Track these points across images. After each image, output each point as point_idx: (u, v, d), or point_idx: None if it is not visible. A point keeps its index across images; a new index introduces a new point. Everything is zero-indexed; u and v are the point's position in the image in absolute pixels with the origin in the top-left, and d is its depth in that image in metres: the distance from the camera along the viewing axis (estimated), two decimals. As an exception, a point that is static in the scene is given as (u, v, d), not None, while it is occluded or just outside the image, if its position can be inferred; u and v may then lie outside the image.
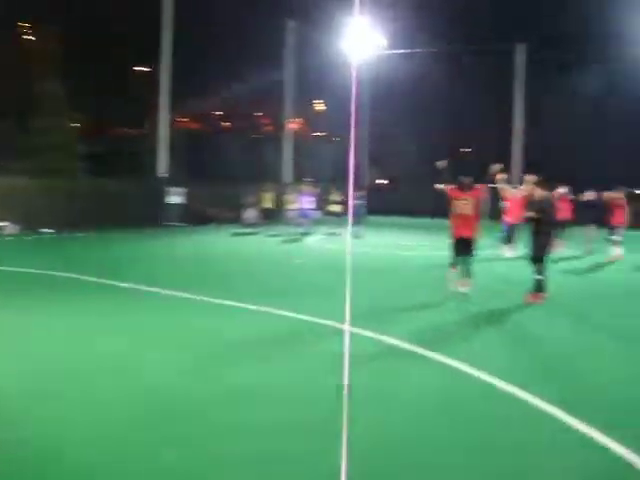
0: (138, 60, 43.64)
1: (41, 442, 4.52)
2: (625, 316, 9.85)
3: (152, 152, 28.07)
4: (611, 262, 16.25)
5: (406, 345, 7.18)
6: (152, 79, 29.15)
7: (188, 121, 63.92)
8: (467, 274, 10.75)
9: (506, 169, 26.46)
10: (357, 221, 22.50)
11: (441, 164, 11.83)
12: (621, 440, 4.55)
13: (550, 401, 5.36)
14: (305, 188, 24.24)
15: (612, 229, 16.85)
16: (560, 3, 45.12)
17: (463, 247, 10.72)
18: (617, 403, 5.59)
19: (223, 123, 64.12)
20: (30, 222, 21.39)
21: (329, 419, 4.56)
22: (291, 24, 36.79)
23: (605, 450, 4.47)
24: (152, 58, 28.93)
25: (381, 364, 6.53)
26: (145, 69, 42.13)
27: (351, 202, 6.47)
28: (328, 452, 4.02)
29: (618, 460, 4.33)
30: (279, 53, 37.47)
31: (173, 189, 26.99)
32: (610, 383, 6.19)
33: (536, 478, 4.17)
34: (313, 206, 23.47)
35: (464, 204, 10.73)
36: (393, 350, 7.05)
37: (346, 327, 5.51)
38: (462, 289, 10.69)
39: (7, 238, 19.88)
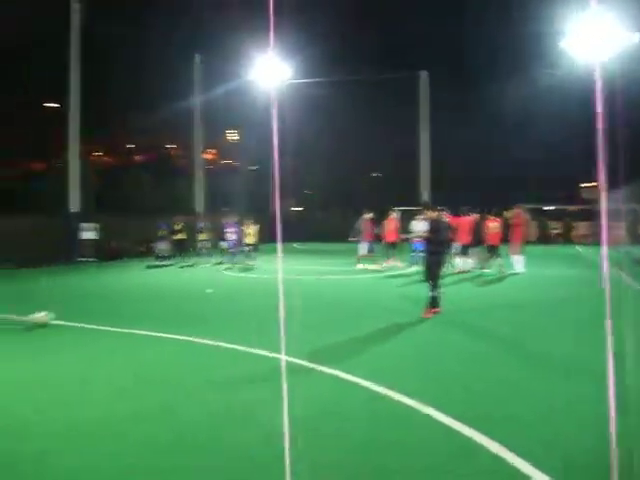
0: (47, 96, 43.37)
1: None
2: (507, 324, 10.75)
3: (62, 187, 27.78)
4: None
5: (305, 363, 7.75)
6: (62, 115, 28.99)
7: (101, 155, 63.38)
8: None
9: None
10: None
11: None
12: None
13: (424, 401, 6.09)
14: (228, 219, 24.25)
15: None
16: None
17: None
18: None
19: (136, 156, 63.89)
20: None
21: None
22: (198, 57, 37.37)
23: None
24: (61, 94, 28.82)
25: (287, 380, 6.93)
26: (54, 105, 41.67)
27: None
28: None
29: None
30: (190, 86, 37.95)
31: (85, 224, 26.91)
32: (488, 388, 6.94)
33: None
34: (235, 237, 23.32)
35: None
36: (294, 367, 7.51)
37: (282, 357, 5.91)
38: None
39: None
